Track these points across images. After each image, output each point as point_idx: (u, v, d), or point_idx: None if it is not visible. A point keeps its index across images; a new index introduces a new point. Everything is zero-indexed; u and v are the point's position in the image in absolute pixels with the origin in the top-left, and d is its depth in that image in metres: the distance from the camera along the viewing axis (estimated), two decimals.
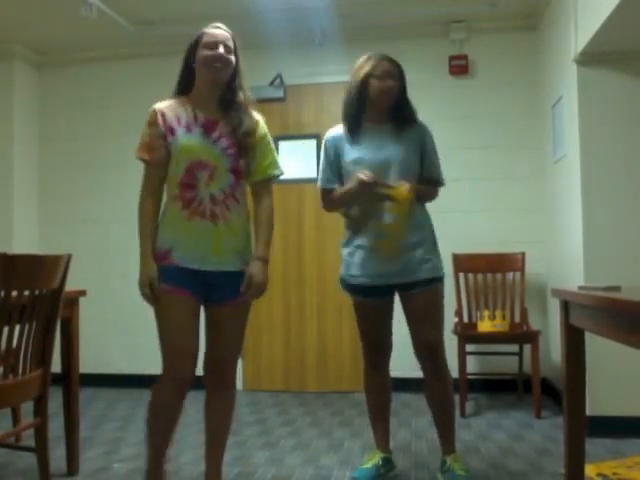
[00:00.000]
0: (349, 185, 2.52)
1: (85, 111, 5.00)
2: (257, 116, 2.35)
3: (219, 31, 2.29)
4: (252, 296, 2.25)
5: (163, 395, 2.17)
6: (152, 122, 2.22)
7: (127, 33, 4.45)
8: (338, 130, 2.66)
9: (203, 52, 2.23)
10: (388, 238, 2.50)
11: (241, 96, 2.29)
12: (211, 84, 2.25)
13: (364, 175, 2.43)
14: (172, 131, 2.20)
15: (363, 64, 2.58)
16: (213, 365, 2.30)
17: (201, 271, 2.19)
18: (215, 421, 2.34)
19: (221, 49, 2.24)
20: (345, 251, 2.65)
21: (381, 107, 2.57)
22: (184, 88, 2.29)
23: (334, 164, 2.65)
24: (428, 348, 2.56)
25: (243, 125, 2.25)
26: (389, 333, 2.71)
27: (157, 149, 2.19)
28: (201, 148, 2.19)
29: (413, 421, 3.68)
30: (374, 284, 2.56)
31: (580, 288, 2.26)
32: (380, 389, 2.76)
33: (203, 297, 2.23)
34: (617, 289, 1.93)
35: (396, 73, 2.55)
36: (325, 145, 2.69)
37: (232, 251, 2.23)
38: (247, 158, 2.27)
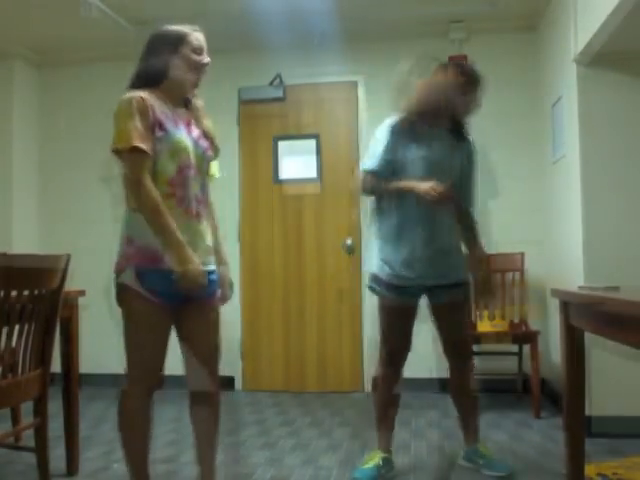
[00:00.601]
0: (417, 186, 2.53)
1: (85, 111, 5.00)
2: (208, 120, 2.36)
3: (202, 36, 2.25)
4: (227, 300, 2.26)
5: (135, 402, 2.14)
6: (143, 111, 2.02)
7: (126, 33, 4.44)
8: (395, 122, 2.68)
9: (192, 55, 2.18)
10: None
11: (199, 100, 2.32)
12: (190, 86, 2.22)
13: (441, 189, 2.49)
14: (161, 125, 2.08)
15: (454, 73, 2.64)
16: (201, 385, 2.25)
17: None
18: (204, 426, 2.31)
19: (207, 56, 2.24)
20: (386, 248, 2.68)
21: (446, 115, 2.67)
22: (155, 81, 2.15)
23: (390, 153, 2.65)
24: (465, 347, 2.81)
25: (210, 130, 2.30)
26: (411, 335, 2.78)
27: (150, 140, 2.06)
28: (189, 147, 2.15)
29: (413, 421, 3.68)
30: (414, 284, 2.64)
31: (580, 288, 2.26)
32: (392, 388, 2.78)
33: (180, 301, 2.14)
34: (616, 289, 1.93)
35: (476, 90, 2.67)
36: (388, 131, 2.67)
37: (210, 250, 2.22)
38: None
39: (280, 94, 4.73)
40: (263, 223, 4.76)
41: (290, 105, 4.77)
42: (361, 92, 4.62)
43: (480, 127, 4.59)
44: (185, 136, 2.16)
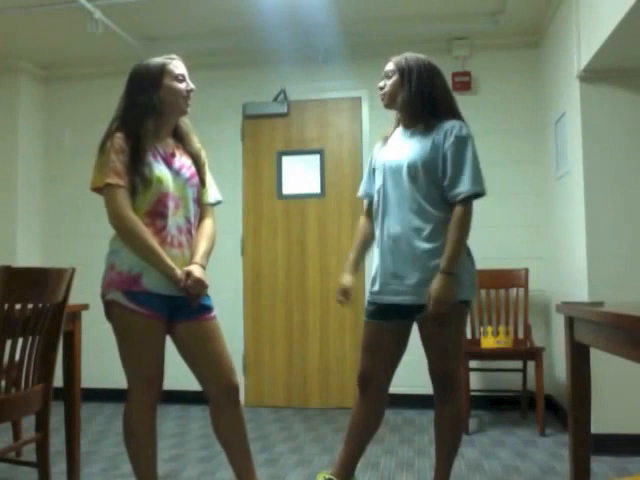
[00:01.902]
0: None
1: (90, 126, 5.02)
2: (197, 142, 2.38)
3: (181, 64, 2.28)
4: (192, 292, 2.18)
5: (138, 416, 2.15)
6: (119, 149, 2.14)
7: (132, 49, 4.48)
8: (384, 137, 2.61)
9: (175, 84, 2.22)
10: None
11: (186, 125, 2.35)
12: (176, 115, 2.28)
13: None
14: (138, 161, 2.14)
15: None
16: (223, 380, 2.23)
17: (171, 295, 2.18)
18: (231, 432, 2.27)
19: (190, 82, 2.28)
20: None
21: (400, 110, 2.46)
22: (141, 116, 2.18)
23: (371, 172, 2.59)
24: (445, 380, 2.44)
25: (201, 157, 2.35)
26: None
27: (126, 175, 2.13)
28: (169, 179, 2.20)
29: (416, 438, 3.65)
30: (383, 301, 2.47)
31: (564, 304, 2.26)
32: (357, 414, 2.51)
33: (168, 318, 2.21)
34: (600, 305, 1.94)
35: (390, 72, 2.44)
36: (375, 149, 2.61)
37: None
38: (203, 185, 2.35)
39: (284, 110, 4.75)
40: (266, 238, 4.76)
41: (294, 120, 4.79)
42: (365, 108, 4.64)
43: (484, 143, 4.62)
44: (163, 169, 2.20)
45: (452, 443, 2.43)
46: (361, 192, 2.69)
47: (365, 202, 2.73)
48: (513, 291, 4.22)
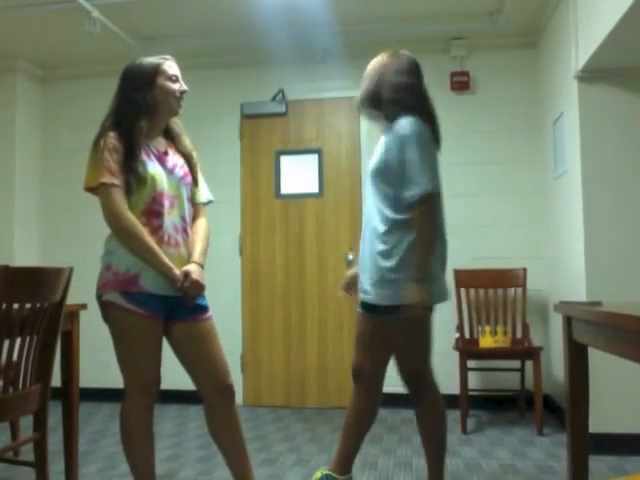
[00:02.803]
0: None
1: (87, 125, 4.96)
2: (189, 142, 2.39)
3: (175, 64, 2.29)
4: (190, 292, 2.17)
5: (135, 416, 2.15)
6: (113, 148, 2.12)
7: (130, 48, 4.48)
8: None
9: (168, 84, 2.22)
10: None
11: (177, 125, 2.36)
12: (168, 115, 2.28)
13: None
14: (132, 160, 2.14)
15: None
16: (217, 380, 2.24)
17: (167, 296, 2.18)
18: (227, 432, 2.27)
19: (183, 84, 2.28)
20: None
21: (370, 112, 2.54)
22: (134, 115, 2.17)
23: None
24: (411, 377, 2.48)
25: (193, 156, 2.35)
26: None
27: (121, 174, 2.12)
28: (163, 178, 2.20)
29: (414, 437, 3.65)
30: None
31: (562, 303, 2.26)
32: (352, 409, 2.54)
33: (167, 312, 2.22)
34: (598, 304, 1.95)
35: (366, 74, 2.51)
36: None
37: None
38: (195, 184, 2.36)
39: (282, 109, 4.75)
40: (265, 237, 4.76)
41: (292, 120, 4.79)
42: None
43: (482, 143, 4.64)
44: (157, 167, 2.20)
45: (438, 440, 2.45)
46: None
47: None
48: (511, 291, 4.22)
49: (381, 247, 2.34)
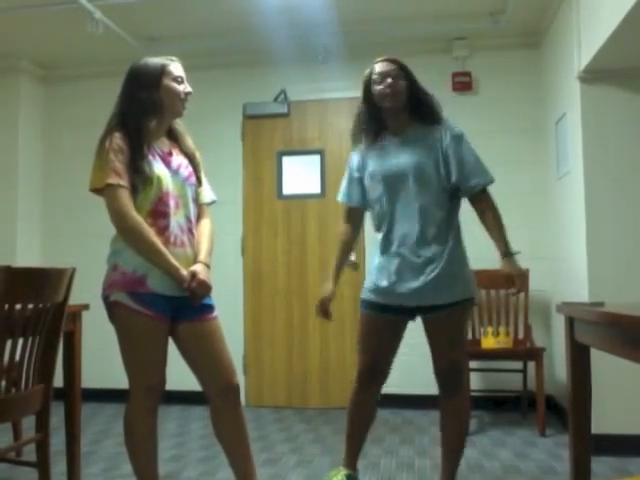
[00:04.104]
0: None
1: (90, 126, 4.97)
2: (192, 143, 2.38)
3: (180, 66, 2.28)
4: (197, 293, 2.17)
5: (139, 416, 2.15)
6: (118, 149, 2.11)
7: (132, 49, 4.48)
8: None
9: (173, 85, 2.21)
10: None
11: (180, 126, 2.35)
12: (172, 116, 2.28)
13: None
14: (138, 160, 2.13)
15: (366, 71, 2.55)
16: (223, 381, 2.23)
17: (174, 296, 2.18)
18: (231, 432, 2.26)
19: (188, 85, 2.28)
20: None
21: (393, 112, 2.46)
22: (139, 115, 2.17)
23: (355, 179, 2.57)
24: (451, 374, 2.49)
25: (196, 156, 2.35)
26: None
27: (127, 175, 2.11)
28: (168, 178, 2.20)
29: (416, 438, 3.65)
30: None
31: (564, 304, 2.26)
32: (366, 408, 2.58)
33: (173, 312, 2.21)
34: (601, 305, 1.94)
35: (394, 72, 2.43)
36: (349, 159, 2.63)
37: None
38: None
39: (284, 110, 4.75)
40: (267, 238, 4.76)
41: (294, 120, 4.79)
42: None
43: (484, 143, 4.61)
44: (162, 168, 2.19)
45: (458, 444, 2.48)
46: (344, 198, 2.63)
47: (345, 208, 2.66)
48: None
49: (432, 249, 2.43)
